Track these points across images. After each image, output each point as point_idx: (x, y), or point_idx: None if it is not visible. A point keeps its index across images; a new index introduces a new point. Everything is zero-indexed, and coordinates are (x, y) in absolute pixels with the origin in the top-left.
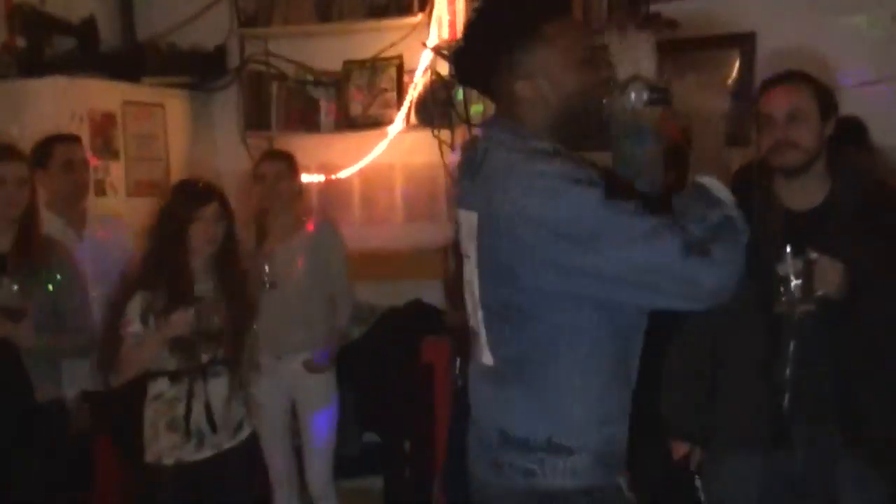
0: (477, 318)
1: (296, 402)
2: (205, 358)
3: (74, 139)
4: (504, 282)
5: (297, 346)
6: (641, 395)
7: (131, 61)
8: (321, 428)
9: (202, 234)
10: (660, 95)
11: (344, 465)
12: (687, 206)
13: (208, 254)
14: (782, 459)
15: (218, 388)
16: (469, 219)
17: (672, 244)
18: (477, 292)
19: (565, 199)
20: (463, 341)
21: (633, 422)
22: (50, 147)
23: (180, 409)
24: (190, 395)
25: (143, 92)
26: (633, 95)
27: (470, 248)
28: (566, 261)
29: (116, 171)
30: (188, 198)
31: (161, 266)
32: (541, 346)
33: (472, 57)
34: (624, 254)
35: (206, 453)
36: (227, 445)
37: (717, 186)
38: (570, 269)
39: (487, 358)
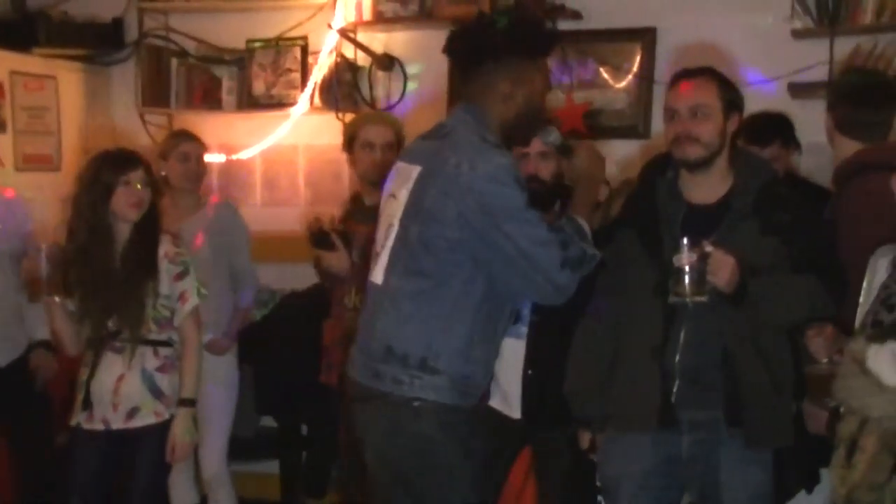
0: (386, 244)
1: None
2: (111, 327)
3: None
4: (420, 221)
5: None
6: (551, 385)
7: (20, 30)
8: (218, 410)
9: (127, 199)
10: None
11: (240, 449)
12: (572, 234)
13: (133, 220)
14: (669, 441)
15: (111, 362)
16: (409, 171)
17: (556, 256)
18: (396, 224)
19: (508, 191)
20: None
21: (537, 410)
22: None
23: (85, 374)
24: (95, 363)
25: (33, 63)
26: (553, 134)
27: (401, 191)
28: (481, 228)
29: (3, 144)
30: (114, 162)
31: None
32: (431, 279)
33: (485, 43)
34: (524, 244)
35: (96, 426)
36: (115, 426)
37: (587, 229)
38: (480, 232)
39: (378, 277)
